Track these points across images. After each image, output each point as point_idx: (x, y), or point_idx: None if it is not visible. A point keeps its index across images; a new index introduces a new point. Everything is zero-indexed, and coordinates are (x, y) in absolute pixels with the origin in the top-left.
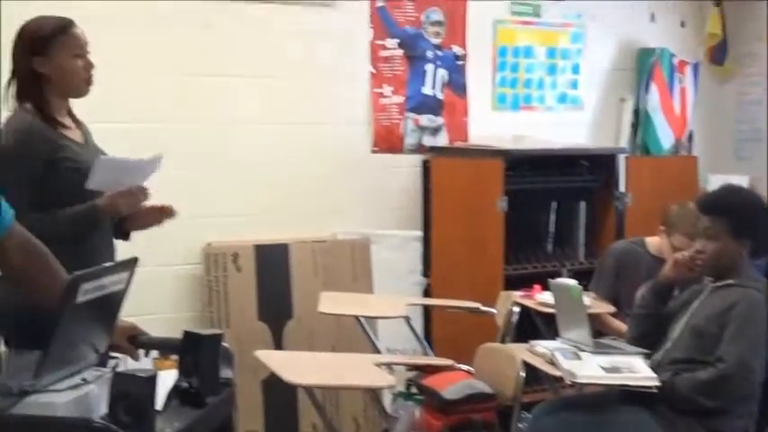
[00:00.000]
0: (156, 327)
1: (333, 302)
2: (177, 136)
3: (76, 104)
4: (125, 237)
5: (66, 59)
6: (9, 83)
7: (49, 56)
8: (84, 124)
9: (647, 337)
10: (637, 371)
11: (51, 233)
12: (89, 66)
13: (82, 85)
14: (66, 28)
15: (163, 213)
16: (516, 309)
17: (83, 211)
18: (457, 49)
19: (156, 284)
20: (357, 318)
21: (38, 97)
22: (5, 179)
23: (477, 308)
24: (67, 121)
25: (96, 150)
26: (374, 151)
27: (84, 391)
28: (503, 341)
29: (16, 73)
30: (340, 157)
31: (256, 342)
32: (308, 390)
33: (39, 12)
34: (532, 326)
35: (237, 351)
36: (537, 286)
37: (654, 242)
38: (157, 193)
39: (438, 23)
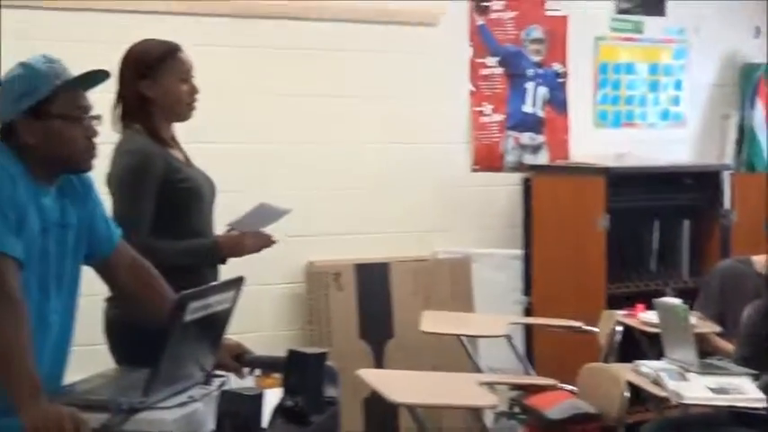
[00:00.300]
0: (258, 345)
1: (434, 321)
2: (279, 156)
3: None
4: (222, 261)
5: (173, 83)
6: (115, 105)
7: (156, 79)
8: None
9: (755, 358)
10: (745, 392)
11: (169, 262)
12: (194, 90)
13: (185, 110)
14: (173, 52)
15: (264, 242)
16: (619, 328)
17: (204, 247)
18: (557, 67)
19: (259, 303)
20: (458, 337)
21: (146, 119)
22: (125, 198)
23: (580, 327)
24: (173, 143)
25: (197, 168)
26: (474, 170)
27: (191, 408)
28: (606, 361)
29: (123, 96)
30: (440, 175)
31: (357, 361)
32: (411, 409)
33: (42, 21)
34: (635, 345)
35: (338, 369)
36: (640, 305)
37: (760, 261)
38: None
39: (538, 41)
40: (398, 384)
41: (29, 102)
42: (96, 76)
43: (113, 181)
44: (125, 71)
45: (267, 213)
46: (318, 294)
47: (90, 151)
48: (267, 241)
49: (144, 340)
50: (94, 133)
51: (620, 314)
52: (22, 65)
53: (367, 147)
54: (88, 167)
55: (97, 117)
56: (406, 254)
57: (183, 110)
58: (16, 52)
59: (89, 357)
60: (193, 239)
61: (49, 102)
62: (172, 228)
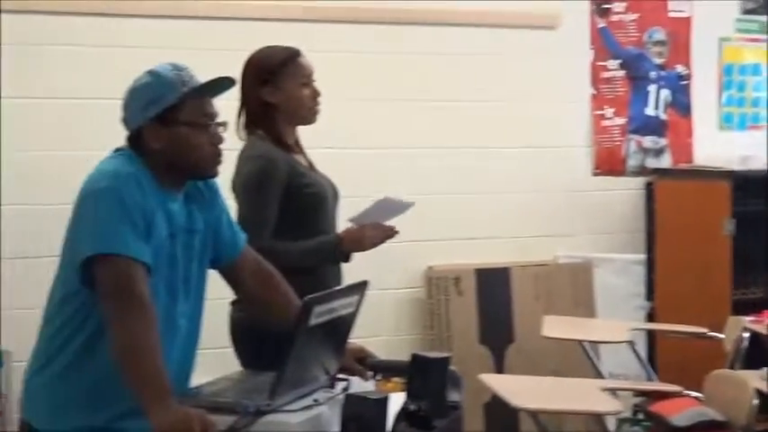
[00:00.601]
0: (378, 349)
1: (556, 326)
2: (401, 160)
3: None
4: (346, 259)
5: (295, 88)
6: (239, 113)
7: (278, 85)
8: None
9: None
10: None
11: (293, 264)
12: (316, 94)
13: (309, 114)
14: (293, 57)
15: (385, 234)
16: (746, 334)
17: (326, 244)
18: (681, 69)
19: (379, 308)
20: (580, 342)
21: (269, 126)
22: (250, 204)
23: (704, 333)
24: (295, 147)
25: (320, 175)
26: (596, 174)
27: (316, 411)
28: (732, 367)
29: (246, 103)
30: (561, 179)
31: (478, 366)
32: (533, 414)
33: (44, 24)
34: (763, 352)
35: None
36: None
37: None
38: None
39: (661, 43)
40: (520, 389)
41: (156, 109)
42: (222, 84)
43: (238, 187)
44: (247, 78)
45: (390, 207)
46: (438, 299)
47: (216, 158)
48: (389, 232)
49: (268, 343)
50: (220, 140)
51: (747, 320)
52: (150, 73)
53: (487, 151)
54: (214, 174)
55: (223, 124)
56: (527, 258)
57: (306, 114)
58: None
59: (215, 360)
60: (317, 239)
61: (176, 109)
62: (296, 232)
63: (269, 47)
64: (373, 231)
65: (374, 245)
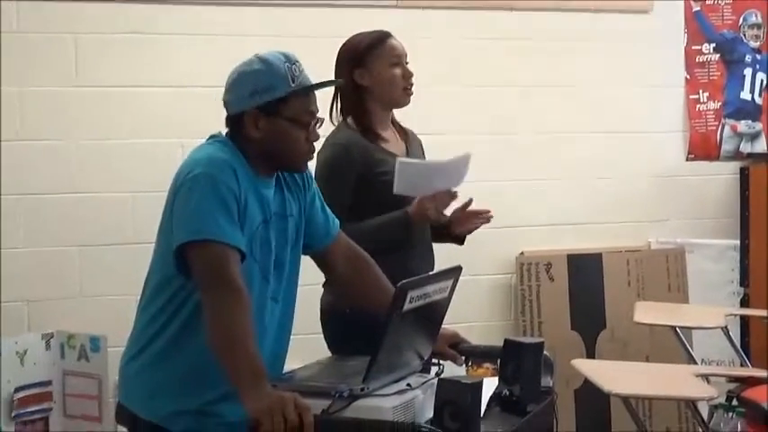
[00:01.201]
0: (470, 335)
1: (648, 312)
2: (492, 146)
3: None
4: (459, 241)
5: (384, 69)
6: (333, 98)
7: (368, 67)
8: (413, 136)
9: None
10: None
11: (364, 243)
12: (408, 75)
13: (401, 95)
14: (382, 39)
15: (479, 218)
16: None
17: (391, 219)
18: None
19: (470, 293)
20: (673, 328)
21: (360, 110)
22: (324, 190)
23: None
24: (388, 134)
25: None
26: (690, 159)
27: (410, 396)
28: None
29: (339, 88)
30: (655, 164)
31: (569, 351)
32: (625, 400)
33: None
34: None
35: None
36: None
37: None
38: (474, 203)
39: (757, 26)
40: (612, 375)
41: (262, 99)
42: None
43: (316, 173)
44: (340, 63)
45: (432, 170)
46: (530, 285)
47: (309, 154)
48: (447, 199)
49: (353, 328)
50: (316, 137)
51: None
52: (262, 61)
53: (580, 136)
54: (303, 170)
55: (321, 120)
56: (620, 244)
57: (397, 95)
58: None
59: (307, 346)
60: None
61: (281, 102)
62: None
63: (360, 32)
64: (431, 203)
65: (439, 213)
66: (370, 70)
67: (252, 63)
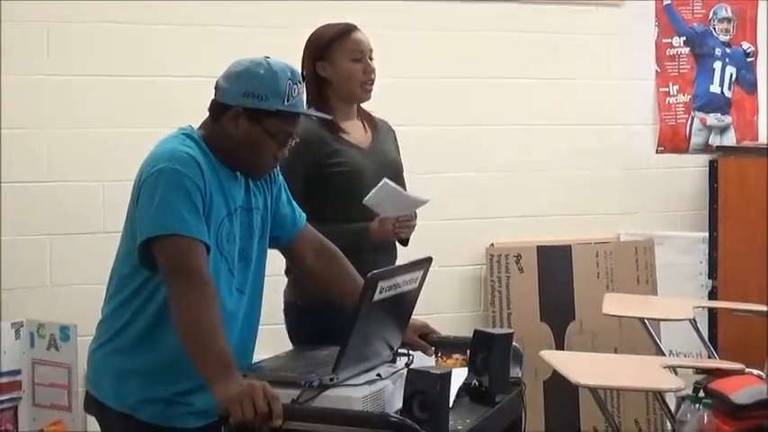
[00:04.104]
0: (439, 326)
1: (617, 304)
2: (463, 138)
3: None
4: (403, 243)
5: (345, 63)
6: None
7: (330, 60)
8: (385, 128)
9: None
10: None
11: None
12: (369, 70)
13: (359, 91)
14: (347, 32)
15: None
16: None
17: (355, 231)
18: (746, 46)
19: (440, 285)
20: (641, 320)
21: (321, 102)
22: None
23: (767, 311)
24: (352, 125)
25: (383, 155)
26: (659, 151)
27: (380, 386)
28: None
29: (304, 79)
30: (625, 157)
31: (538, 343)
32: (593, 391)
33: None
34: None
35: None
36: None
37: None
38: (445, 194)
39: (726, 20)
40: (581, 366)
41: (251, 104)
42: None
43: None
44: (304, 55)
45: (404, 199)
46: (500, 276)
47: (270, 168)
48: (411, 226)
49: (314, 321)
50: (283, 156)
51: None
52: (269, 68)
53: (550, 128)
54: (258, 178)
55: (295, 140)
56: (589, 236)
57: (355, 90)
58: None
59: (275, 336)
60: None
61: (267, 114)
62: (329, 212)
63: (327, 24)
64: (393, 226)
65: (399, 236)
66: (331, 63)
67: (259, 65)
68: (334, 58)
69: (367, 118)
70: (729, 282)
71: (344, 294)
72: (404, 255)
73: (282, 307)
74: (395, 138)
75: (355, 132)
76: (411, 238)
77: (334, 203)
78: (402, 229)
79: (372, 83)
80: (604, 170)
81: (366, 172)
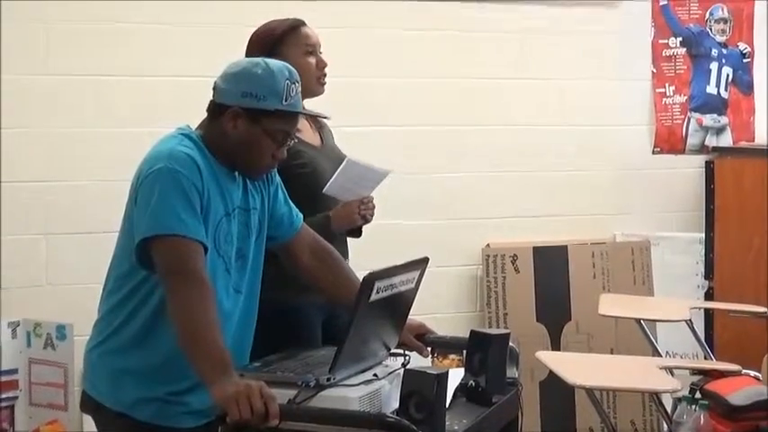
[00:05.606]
0: (436, 326)
1: (613, 305)
2: (460, 138)
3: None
4: (357, 234)
5: (298, 57)
6: None
7: (282, 55)
8: (325, 126)
9: None
10: None
11: None
12: (322, 64)
13: (315, 84)
14: (296, 27)
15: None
16: None
17: (316, 222)
18: (743, 47)
19: (436, 285)
20: (638, 320)
21: None
22: None
23: (763, 312)
24: (302, 124)
25: (333, 153)
26: (656, 152)
27: (376, 386)
28: None
29: None
30: (621, 158)
31: (534, 343)
32: (590, 392)
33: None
34: None
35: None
36: None
37: None
38: (440, 195)
39: (723, 21)
40: (577, 367)
41: (250, 104)
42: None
43: None
44: (251, 51)
45: (366, 174)
46: (496, 276)
47: (269, 168)
48: (371, 209)
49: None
50: (283, 156)
51: None
52: (267, 68)
53: (547, 128)
54: (257, 178)
55: (294, 140)
56: (585, 236)
57: (311, 84)
58: None
59: None
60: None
61: (266, 114)
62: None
63: (272, 20)
64: (358, 209)
65: (365, 220)
66: (284, 59)
67: (257, 65)
68: (287, 53)
69: (311, 116)
70: (726, 282)
71: (341, 294)
72: (404, 255)
73: None
74: (332, 135)
75: (306, 131)
76: (407, 238)
77: (300, 205)
78: (367, 211)
79: (325, 76)
80: (600, 170)
81: (327, 171)
